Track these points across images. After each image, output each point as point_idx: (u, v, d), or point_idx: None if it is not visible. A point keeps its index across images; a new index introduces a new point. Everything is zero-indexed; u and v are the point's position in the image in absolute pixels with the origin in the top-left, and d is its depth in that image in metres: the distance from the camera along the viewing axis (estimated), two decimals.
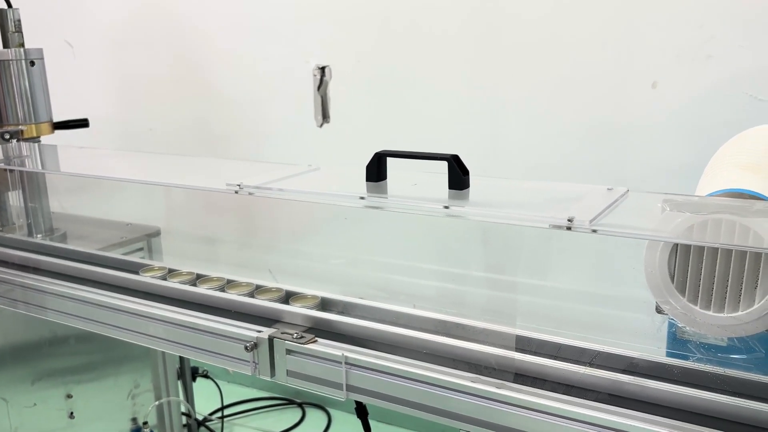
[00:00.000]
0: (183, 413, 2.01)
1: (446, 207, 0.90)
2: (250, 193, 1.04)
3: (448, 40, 1.86)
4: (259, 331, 0.95)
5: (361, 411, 1.10)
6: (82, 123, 1.77)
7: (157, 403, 1.85)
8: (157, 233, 1.80)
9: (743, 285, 0.79)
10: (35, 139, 1.68)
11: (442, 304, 1.01)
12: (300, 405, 2.43)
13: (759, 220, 0.76)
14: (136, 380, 1.82)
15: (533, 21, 1.76)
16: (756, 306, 0.78)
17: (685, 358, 0.83)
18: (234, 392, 2.44)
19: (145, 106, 2.46)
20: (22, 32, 1.69)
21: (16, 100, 1.64)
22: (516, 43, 1.78)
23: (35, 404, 1.63)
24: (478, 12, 1.81)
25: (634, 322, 0.88)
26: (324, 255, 1.66)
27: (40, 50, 1.68)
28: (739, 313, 0.79)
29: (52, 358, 1.66)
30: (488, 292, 1.22)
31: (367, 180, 1.01)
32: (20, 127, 1.65)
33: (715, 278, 0.80)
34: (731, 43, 1.55)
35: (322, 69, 2.03)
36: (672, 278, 0.82)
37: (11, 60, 1.62)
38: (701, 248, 0.80)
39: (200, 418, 2.24)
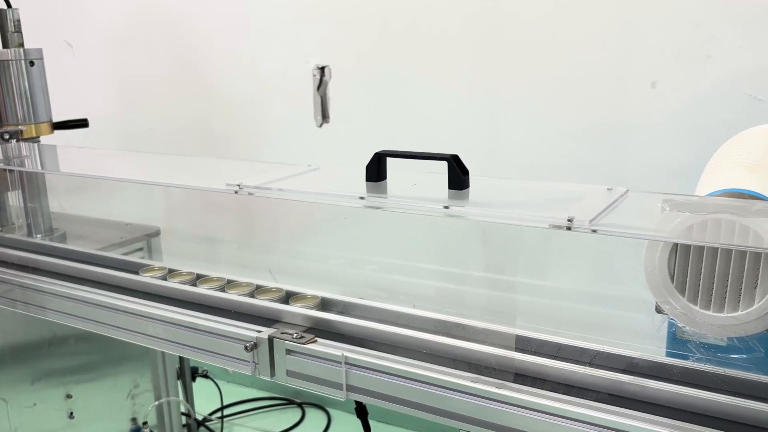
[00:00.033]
0: (183, 413, 2.01)
1: (446, 207, 0.90)
2: (249, 193, 1.04)
3: (447, 40, 1.86)
4: (259, 331, 0.95)
5: (361, 411, 1.10)
6: (82, 123, 1.77)
7: (156, 403, 1.85)
8: (156, 233, 1.80)
9: (743, 285, 0.79)
10: (35, 139, 1.68)
11: (442, 304, 1.01)
12: (300, 405, 2.42)
13: (759, 220, 0.76)
14: (136, 380, 1.82)
15: (533, 21, 1.76)
16: (756, 306, 0.78)
17: (685, 357, 0.83)
18: (234, 392, 2.44)
19: (144, 106, 2.46)
20: (21, 32, 1.69)
21: (16, 100, 1.64)
22: (516, 43, 1.78)
23: (35, 404, 1.63)
24: (477, 12, 1.81)
25: (633, 322, 0.88)
26: (324, 255, 1.66)
27: (40, 50, 1.68)
28: (739, 312, 0.79)
29: (51, 358, 1.66)
30: (488, 292, 1.22)
31: (366, 180, 1.01)
32: (20, 127, 1.65)
33: (715, 278, 0.80)
34: (731, 42, 1.55)
35: (322, 69, 2.02)
36: (672, 278, 0.82)
37: (11, 60, 1.62)
38: (701, 248, 0.80)
39: (200, 418, 2.24)
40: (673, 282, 0.82)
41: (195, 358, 1.02)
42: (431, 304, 1.01)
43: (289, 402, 2.45)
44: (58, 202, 1.78)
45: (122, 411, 1.80)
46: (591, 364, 0.84)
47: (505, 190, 1.06)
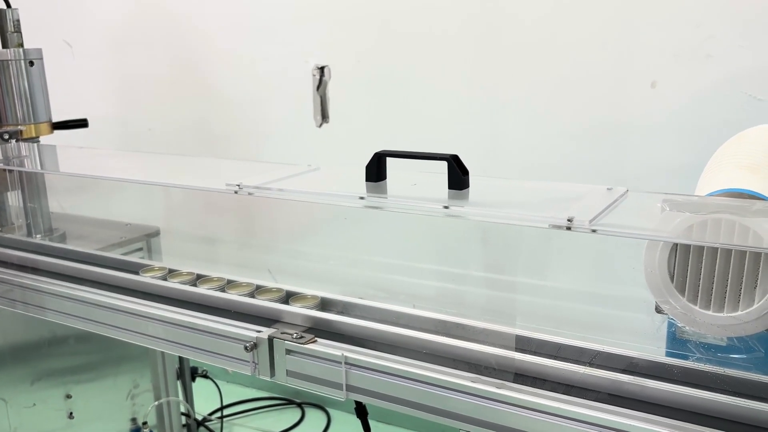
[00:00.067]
0: (182, 413, 2.01)
1: (446, 207, 0.90)
2: (249, 193, 1.04)
3: (447, 40, 1.86)
4: (259, 331, 0.95)
5: (361, 411, 1.10)
6: (82, 123, 1.77)
7: (156, 403, 1.85)
8: (156, 233, 1.80)
9: (743, 285, 0.79)
10: (34, 139, 1.68)
11: (441, 304, 1.01)
12: (299, 405, 2.42)
13: (758, 220, 0.76)
14: (136, 380, 1.82)
15: (533, 21, 1.76)
16: (755, 306, 0.78)
17: (685, 357, 0.83)
18: (233, 392, 2.44)
19: (144, 106, 2.46)
20: (21, 32, 1.69)
21: (15, 100, 1.64)
22: (516, 43, 1.78)
23: (34, 404, 1.63)
24: (477, 12, 1.81)
25: (633, 321, 0.88)
26: (323, 255, 1.66)
27: (40, 50, 1.68)
28: (739, 312, 0.79)
29: (51, 359, 1.66)
30: (488, 292, 1.22)
31: (366, 180, 1.01)
32: (19, 127, 1.65)
33: (715, 278, 0.80)
34: (730, 42, 1.55)
35: (321, 69, 2.02)
36: (671, 278, 0.82)
37: (10, 60, 1.62)
38: (701, 248, 0.80)
39: (200, 418, 2.24)
40: (672, 282, 0.82)
41: (195, 359, 1.02)
42: (431, 304, 1.01)
43: (289, 402, 2.45)
44: (57, 202, 1.78)
45: (122, 411, 1.80)
46: (591, 364, 0.84)
47: (504, 190, 1.06)
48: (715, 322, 0.80)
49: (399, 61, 1.95)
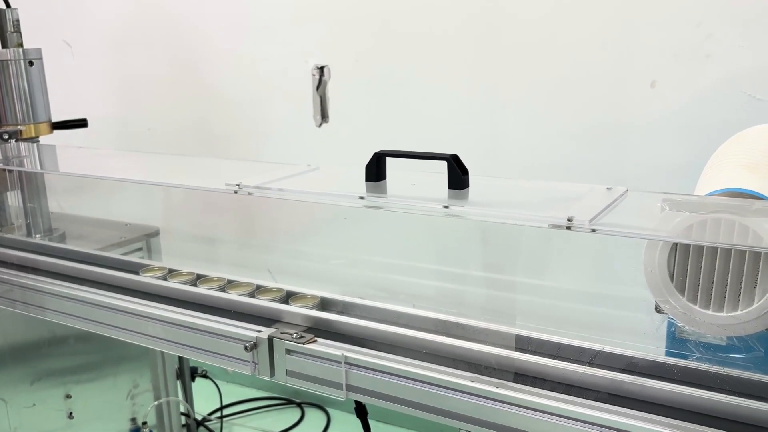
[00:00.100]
0: (182, 413, 2.01)
1: (446, 207, 0.90)
2: (249, 193, 1.04)
3: (447, 40, 1.86)
4: (259, 331, 0.95)
5: (361, 411, 1.10)
6: (81, 123, 1.77)
7: (156, 403, 1.85)
8: (156, 233, 1.80)
9: (742, 284, 0.79)
10: (34, 139, 1.68)
11: (441, 304, 1.01)
12: (299, 405, 2.42)
13: (758, 220, 0.76)
14: (135, 380, 1.82)
15: (533, 21, 1.76)
16: (755, 305, 0.78)
17: (685, 357, 0.83)
18: (233, 392, 2.44)
19: (144, 106, 2.46)
20: (20, 32, 1.69)
21: (15, 100, 1.64)
22: (515, 43, 1.79)
23: (34, 404, 1.63)
24: (477, 12, 1.81)
25: (633, 321, 0.88)
26: (323, 255, 1.66)
27: (39, 50, 1.68)
28: (739, 312, 0.79)
29: (51, 359, 1.66)
30: (488, 291, 1.22)
31: (366, 180, 1.01)
32: (19, 127, 1.65)
33: (715, 277, 0.80)
34: (730, 42, 1.55)
35: (321, 69, 2.02)
36: (671, 277, 0.82)
37: (10, 60, 1.62)
38: (700, 247, 0.80)
39: (199, 418, 2.24)
40: (672, 281, 0.82)
41: (195, 358, 1.02)
42: (431, 304, 1.01)
43: (289, 402, 2.45)
44: (57, 202, 1.78)
45: (122, 411, 1.80)
46: (591, 364, 0.84)
47: (504, 189, 1.06)
48: (714, 322, 0.80)
49: (399, 61, 1.95)
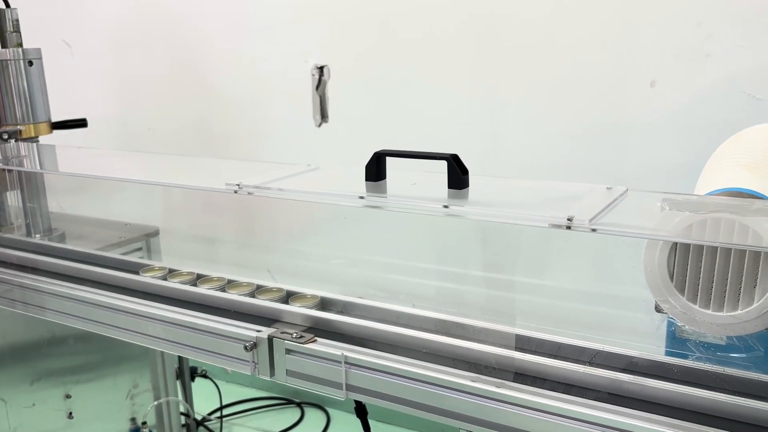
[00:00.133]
0: (182, 413, 2.01)
1: (446, 206, 0.90)
2: (249, 193, 1.04)
3: (447, 40, 1.86)
4: (259, 331, 0.95)
5: (361, 410, 1.09)
6: (81, 123, 1.77)
7: (156, 403, 1.85)
8: (155, 233, 1.80)
9: (742, 284, 0.79)
10: (33, 139, 1.68)
11: (441, 304, 1.01)
12: (299, 405, 2.42)
13: (758, 219, 0.76)
14: (135, 380, 1.82)
15: (532, 21, 1.76)
16: (755, 305, 0.78)
17: (685, 356, 0.83)
18: (233, 392, 2.44)
19: (143, 106, 2.46)
20: (20, 32, 1.69)
21: (15, 100, 1.64)
22: (515, 43, 1.79)
23: (34, 404, 1.63)
24: (477, 12, 1.81)
25: (633, 321, 0.88)
26: (323, 254, 1.66)
27: (39, 50, 1.68)
28: (738, 311, 0.79)
29: (51, 359, 1.66)
30: (488, 291, 1.22)
31: (366, 179, 1.01)
32: (18, 127, 1.65)
33: (714, 277, 0.80)
34: (730, 42, 1.55)
35: (321, 69, 2.02)
36: (671, 277, 0.82)
37: (9, 60, 1.62)
38: (700, 247, 0.80)
39: (199, 417, 2.24)
40: (672, 281, 0.82)
41: (195, 358, 1.02)
42: (431, 304, 1.01)
43: (288, 402, 2.45)
44: (56, 202, 1.78)
45: (121, 411, 1.80)
46: (591, 364, 0.84)
47: (504, 189, 1.06)
48: (714, 321, 0.80)
49: (398, 61, 1.95)
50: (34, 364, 1.63)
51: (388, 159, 1.00)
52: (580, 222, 0.79)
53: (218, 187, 1.07)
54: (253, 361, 0.95)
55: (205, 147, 2.33)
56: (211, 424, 2.27)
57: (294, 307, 1.04)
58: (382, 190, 0.99)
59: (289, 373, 0.92)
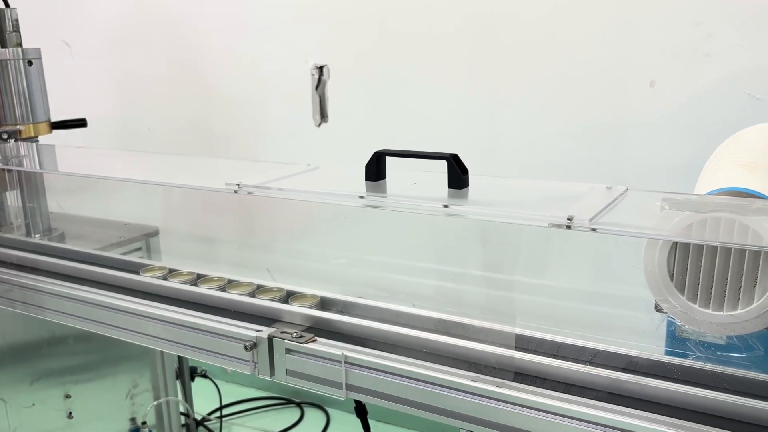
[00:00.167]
0: (182, 413, 2.01)
1: (446, 206, 0.90)
2: (249, 193, 1.04)
3: (447, 39, 1.86)
4: (259, 331, 0.95)
5: (361, 410, 1.09)
6: (80, 123, 1.77)
7: (155, 402, 1.85)
8: (155, 233, 1.79)
9: (742, 283, 0.79)
10: (33, 139, 1.68)
11: (441, 303, 1.01)
12: (299, 404, 2.42)
13: (758, 219, 0.76)
14: (135, 380, 1.82)
15: (532, 21, 1.76)
16: (755, 304, 0.78)
17: (685, 356, 0.83)
18: (232, 392, 2.44)
19: (143, 106, 2.45)
20: (19, 32, 1.69)
21: (14, 99, 1.64)
22: (515, 42, 1.79)
23: (34, 404, 1.63)
24: (477, 12, 1.81)
25: (633, 320, 0.88)
26: (323, 254, 1.66)
27: (38, 50, 1.67)
28: (738, 311, 0.79)
29: (50, 359, 1.66)
30: (488, 291, 1.22)
31: (366, 179, 1.01)
32: (18, 126, 1.65)
33: (714, 276, 0.80)
34: (729, 41, 1.55)
35: (320, 68, 2.02)
36: (671, 277, 0.82)
37: (9, 60, 1.62)
38: (700, 247, 0.80)
39: (199, 417, 2.23)
40: (672, 280, 0.82)
41: (195, 358, 1.02)
42: (431, 304, 1.01)
43: (288, 401, 2.45)
44: (56, 202, 1.78)
45: (121, 411, 1.80)
46: (591, 363, 0.84)
47: (504, 188, 1.06)
48: (714, 321, 0.81)
49: (398, 61, 1.95)
50: (34, 364, 1.63)
51: (388, 159, 1.00)
52: (580, 221, 0.79)
53: (218, 187, 1.07)
54: (253, 361, 0.95)
55: (204, 147, 2.33)
56: (211, 424, 2.27)
57: (294, 307, 1.04)
58: (382, 190, 0.99)
59: (289, 372, 0.92)
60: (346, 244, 1.49)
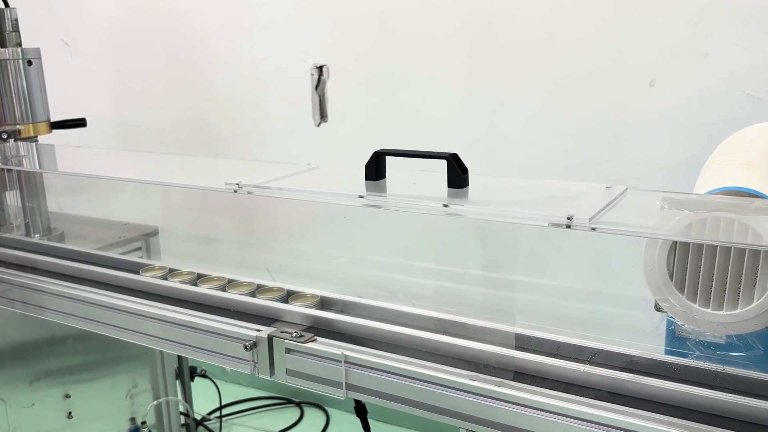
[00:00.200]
0: (181, 413, 2.01)
1: (445, 205, 0.90)
2: (249, 193, 1.04)
3: (446, 39, 1.86)
4: (259, 330, 0.95)
5: (361, 410, 1.09)
6: (80, 122, 1.77)
7: (155, 402, 1.85)
8: (155, 233, 1.79)
9: (742, 282, 0.79)
10: (32, 139, 1.68)
11: (441, 303, 1.01)
12: (298, 404, 2.42)
13: (757, 218, 0.76)
14: (135, 380, 1.82)
15: (532, 21, 1.76)
16: (754, 303, 0.78)
17: (684, 355, 0.83)
18: (232, 392, 2.44)
19: (143, 106, 2.45)
20: (19, 32, 1.69)
21: (14, 99, 1.64)
22: (515, 42, 1.79)
23: (33, 404, 1.63)
24: (476, 12, 1.81)
25: (633, 320, 0.88)
26: (323, 254, 1.66)
27: (38, 50, 1.67)
28: (738, 310, 0.79)
29: (50, 358, 1.66)
30: (487, 290, 1.22)
31: (366, 179, 1.01)
32: (17, 126, 1.64)
33: (714, 276, 0.80)
34: (728, 41, 1.55)
35: (320, 68, 2.02)
36: (671, 276, 0.82)
37: (8, 59, 1.62)
38: (700, 246, 0.80)
39: (198, 417, 2.23)
40: (672, 280, 0.82)
41: (195, 358, 1.02)
42: (431, 303, 1.01)
43: (288, 401, 2.45)
44: (56, 202, 1.78)
45: (121, 411, 1.80)
46: (590, 362, 0.84)
47: (504, 188, 1.06)
48: (714, 320, 0.81)
49: (398, 61, 1.95)
50: (34, 364, 1.63)
51: (388, 158, 1.00)
52: (580, 221, 0.79)
53: (218, 187, 1.07)
54: (252, 361, 0.95)
55: (204, 146, 2.33)
56: (211, 424, 2.27)
57: (294, 307, 1.04)
58: (382, 190, 0.99)
59: (289, 372, 0.92)
60: (346, 244, 1.49)
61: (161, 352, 1.80)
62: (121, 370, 1.79)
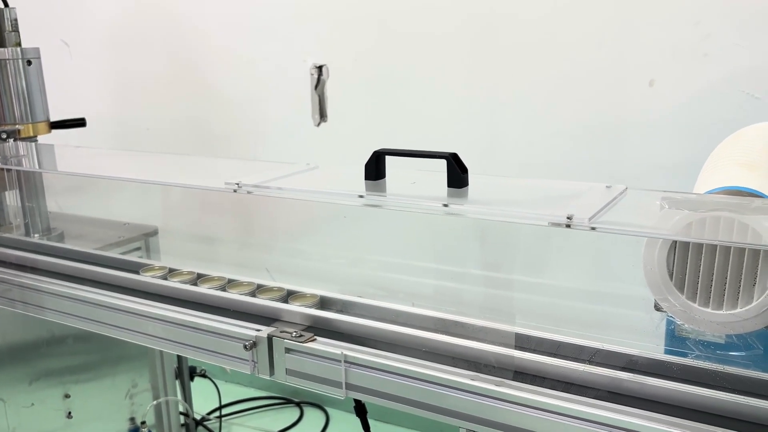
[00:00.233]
0: (181, 413, 2.01)
1: (445, 205, 0.90)
2: (248, 192, 1.04)
3: (446, 39, 1.87)
4: (258, 330, 0.95)
5: (360, 410, 1.09)
6: (79, 122, 1.77)
7: (155, 402, 1.85)
8: (154, 232, 1.79)
9: (741, 282, 0.79)
10: (32, 139, 1.68)
11: (441, 303, 1.01)
12: (298, 404, 2.42)
13: (757, 218, 0.76)
14: (134, 380, 1.82)
15: (532, 21, 1.76)
16: (754, 303, 0.78)
17: (684, 355, 0.83)
18: (232, 392, 2.44)
19: (142, 106, 2.45)
20: (18, 31, 1.69)
21: (13, 99, 1.64)
22: (515, 42, 1.79)
23: (33, 404, 1.63)
24: (476, 12, 1.81)
25: (632, 319, 0.88)
26: (323, 254, 1.66)
27: (37, 49, 1.67)
28: (738, 310, 0.79)
29: (50, 358, 1.66)
30: (487, 290, 1.22)
31: (365, 178, 1.01)
32: (17, 126, 1.64)
33: (714, 275, 0.80)
34: (728, 41, 1.55)
35: (320, 68, 2.02)
36: (671, 276, 0.82)
37: (8, 59, 1.62)
38: (700, 245, 0.80)
39: (198, 417, 2.23)
40: (672, 279, 0.82)
41: (195, 358, 1.02)
42: (430, 303, 1.01)
43: (288, 401, 2.45)
44: (55, 202, 1.78)
45: (120, 411, 1.80)
46: (590, 362, 0.84)
47: (504, 187, 1.06)
48: (714, 320, 0.81)
49: (398, 61, 1.95)
50: (33, 364, 1.63)
51: (388, 158, 1.00)
52: (580, 220, 0.79)
53: (217, 187, 1.07)
54: (252, 360, 0.95)
55: (204, 146, 2.33)
56: (210, 424, 2.27)
57: (293, 306, 1.04)
58: (382, 189, 0.99)
59: (289, 372, 0.92)
60: (346, 244, 1.49)
61: (161, 352, 1.80)
62: (120, 370, 1.79)
